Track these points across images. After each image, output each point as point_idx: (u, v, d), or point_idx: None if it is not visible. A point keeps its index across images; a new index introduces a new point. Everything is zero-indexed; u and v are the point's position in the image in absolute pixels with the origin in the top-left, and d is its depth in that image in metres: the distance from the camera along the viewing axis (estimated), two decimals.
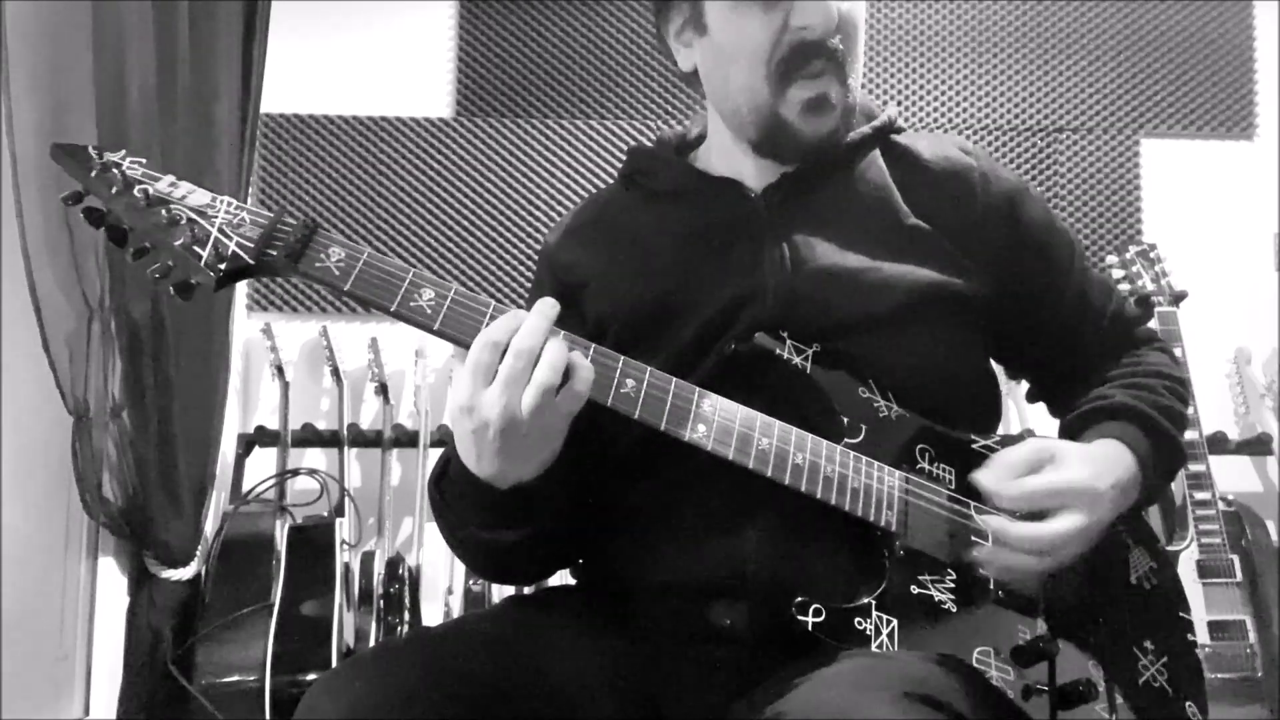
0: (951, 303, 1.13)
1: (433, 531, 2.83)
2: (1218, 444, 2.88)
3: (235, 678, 2.42)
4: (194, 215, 0.96)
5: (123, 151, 1.00)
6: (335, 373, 2.94)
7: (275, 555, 2.59)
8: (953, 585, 1.03)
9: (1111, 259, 2.83)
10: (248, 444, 2.95)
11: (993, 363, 1.27)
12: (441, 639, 1.01)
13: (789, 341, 1.08)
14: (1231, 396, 3.04)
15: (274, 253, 0.96)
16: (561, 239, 1.26)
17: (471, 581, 2.71)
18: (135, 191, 0.96)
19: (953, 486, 1.08)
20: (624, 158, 1.29)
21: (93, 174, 0.97)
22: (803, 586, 1.00)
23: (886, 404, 1.09)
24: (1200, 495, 2.58)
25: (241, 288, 3.02)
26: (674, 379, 1.01)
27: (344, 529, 2.70)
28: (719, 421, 1.00)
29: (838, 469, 1.02)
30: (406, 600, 2.71)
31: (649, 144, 1.29)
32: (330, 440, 2.95)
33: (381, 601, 2.70)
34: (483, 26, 3.23)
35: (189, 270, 0.96)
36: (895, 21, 3.27)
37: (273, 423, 2.93)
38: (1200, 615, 2.46)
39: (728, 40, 1.13)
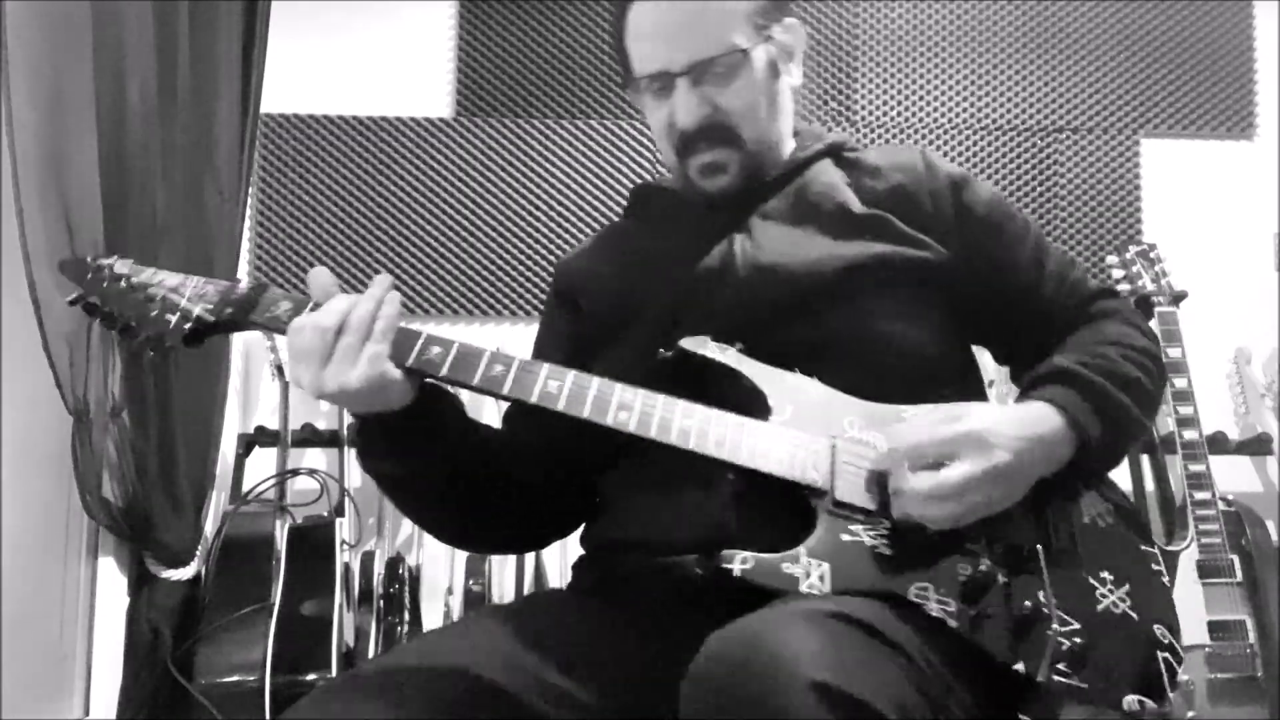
0: (904, 269, 1.23)
1: None
2: (1218, 444, 2.88)
3: (235, 678, 2.42)
4: (168, 293, 1.16)
5: (115, 256, 1.19)
6: None
7: (275, 555, 2.59)
8: (886, 531, 1.07)
9: (1111, 259, 2.83)
10: (248, 444, 2.95)
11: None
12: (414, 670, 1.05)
13: (712, 343, 1.17)
14: (1231, 396, 3.04)
15: (230, 310, 1.15)
16: (566, 260, 1.45)
17: (472, 581, 2.71)
18: (121, 283, 1.16)
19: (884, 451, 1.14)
20: (630, 189, 1.46)
21: (89, 277, 1.17)
22: (749, 539, 1.05)
23: (813, 387, 1.16)
24: (1200, 495, 2.58)
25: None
26: (596, 378, 1.11)
27: (344, 529, 2.70)
28: (640, 407, 1.09)
29: (760, 441, 1.09)
30: (406, 600, 2.71)
31: (652, 180, 1.49)
32: (330, 440, 2.96)
33: (381, 601, 2.70)
34: (483, 26, 3.24)
35: (163, 336, 1.15)
36: (895, 21, 3.27)
37: (273, 423, 2.93)
38: (1200, 615, 2.46)
39: (647, 116, 1.33)
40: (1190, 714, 2.38)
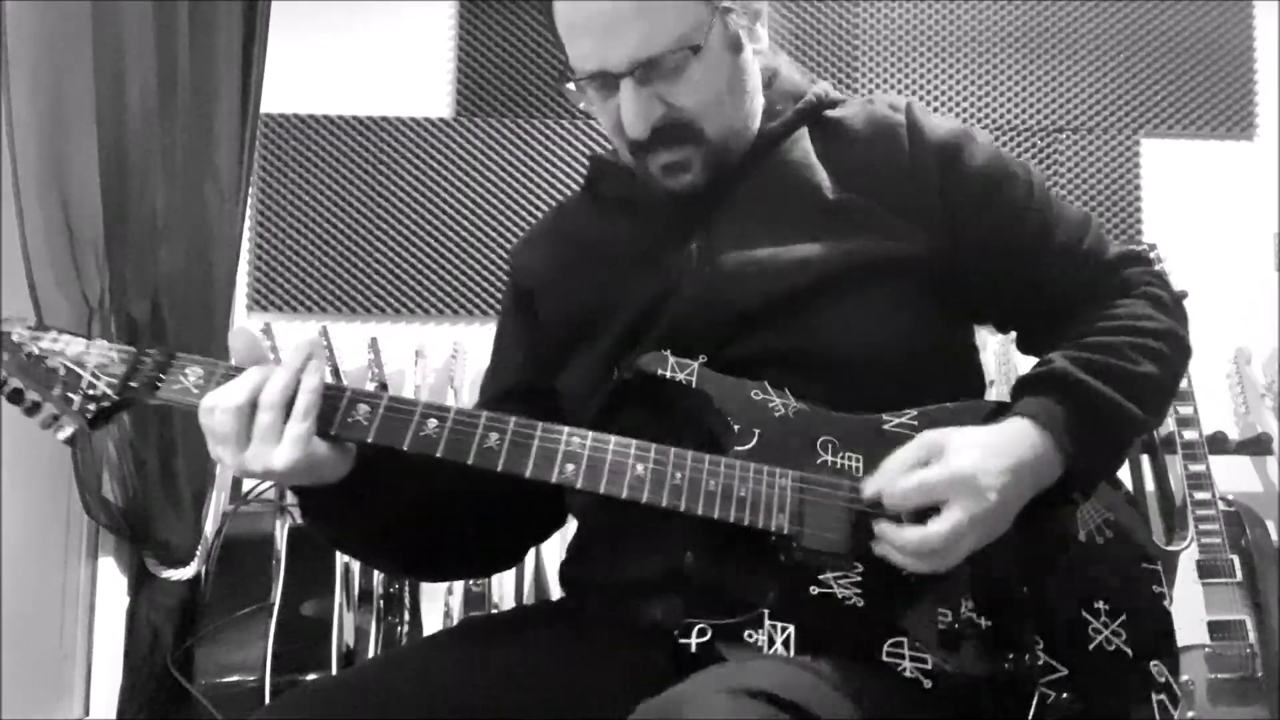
0: (883, 268, 1.12)
1: None
2: (1218, 444, 2.88)
3: (235, 678, 2.42)
4: (70, 364, 1.04)
5: (14, 319, 1.08)
6: (335, 373, 2.94)
7: (275, 555, 2.58)
8: (859, 579, 1.00)
9: None
10: None
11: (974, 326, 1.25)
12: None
13: (672, 359, 1.08)
14: (1231, 396, 3.04)
15: (135, 385, 1.03)
16: (522, 246, 1.32)
17: (472, 582, 2.71)
18: (21, 354, 1.05)
19: (859, 474, 1.04)
20: (588, 159, 1.31)
21: None
22: (718, 593, 0.99)
23: (783, 401, 1.07)
24: (1200, 495, 2.58)
25: (241, 286, 3.02)
26: (540, 424, 1.02)
27: None
28: (589, 456, 1.01)
29: (722, 481, 1.01)
30: (406, 600, 2.71)
31: (610, 152, 1.30)
32: None
33: (381, 601, 2.70)
34: (483, 26, 3.23)
35: (67, 418, 1.05)
36: (895, 21, 3.27)
37: None
38: (1200, 615, 2.45)
39: (595, 114, 1.18)
40: (1190, 714, 2.38)
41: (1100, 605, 1.05)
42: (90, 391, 1.03)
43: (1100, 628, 1.05)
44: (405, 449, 1.00)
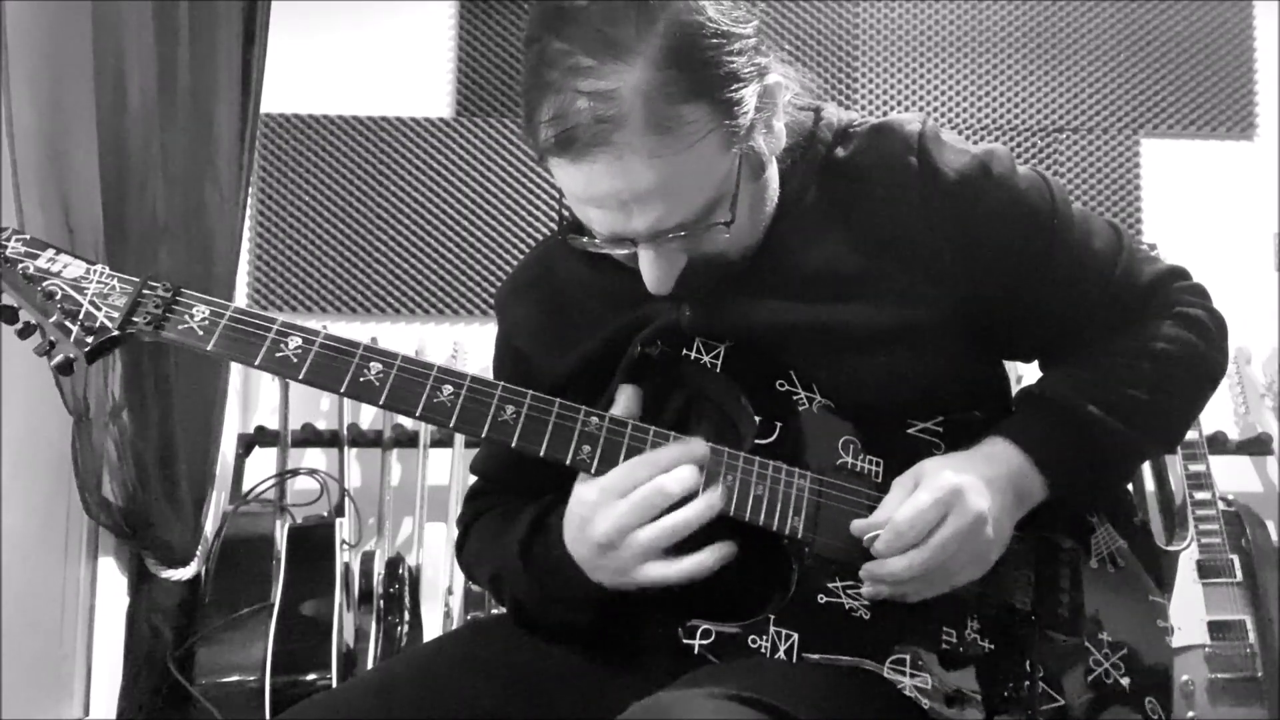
0: (902, 334, 1.05)
1: (433, 531, 2.85)
2: (1218, 444, 2.88)
3: (235, 678, 2.41)
4: (68, 289, 0.97)
5: (9, 230, 1.01)
6: None
7: (275, 555, 2.59)
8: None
9: None
10: (248, 444, 2.95)
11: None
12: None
13: (698, 340, 1.04)
14: (1231, 396, 3.04)
15: (139, 320, 0.98)
16: (510, 295, 1.24)
17: (471, 582, 2.71)
18: (17, 270, 0.98)
19: (880, 480, 1.03)
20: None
21: None
22: (723, 596, 0.98)
23: (808, 395, 1.04)
24: (1200, 495, 2.58)
25: (242, 286, 3.02)
26: (557, 400, 0.99)
27: (344, 529, 2.69)
28: (605, 440, 0.98)
29: (739, 477, 0.99)
30: (406, 600, 2.71)
31: None
32: (330, 440, 2.95)
33: (381, 601, 2.70)
34: (483, 26, 3.24)
35: (63, 347, 0.98)
36: (895, 21, 3.27)
37: (273, 423, 2.93)
38: (1200, 615, 2.46)
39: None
40: (1190, 714, 2.38)
41: (1104, 636, 1.06)
42: (88, 323, 0.97)
43: (1101, 659, 1.05)
44: (417, 416, 0.98)
